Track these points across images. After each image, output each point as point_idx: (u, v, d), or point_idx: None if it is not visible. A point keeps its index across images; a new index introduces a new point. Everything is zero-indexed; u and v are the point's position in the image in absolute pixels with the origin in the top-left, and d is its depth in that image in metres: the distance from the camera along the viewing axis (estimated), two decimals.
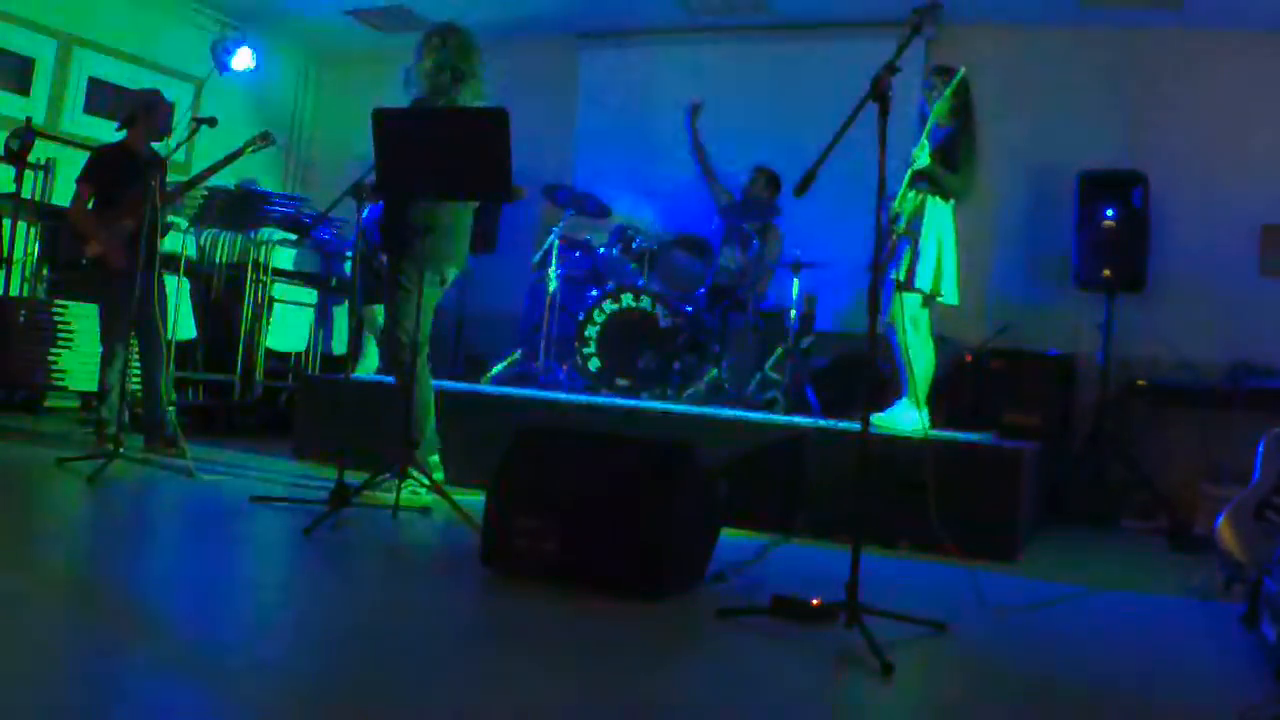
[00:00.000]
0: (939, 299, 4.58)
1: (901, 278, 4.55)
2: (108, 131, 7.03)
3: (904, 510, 3.95)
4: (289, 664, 2.12)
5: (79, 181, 5.02)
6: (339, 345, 7.50)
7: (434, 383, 4.46)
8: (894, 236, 4.55)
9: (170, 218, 5.24)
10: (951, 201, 4.61)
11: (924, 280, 4.51)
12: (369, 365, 6.77)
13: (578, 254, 6.46)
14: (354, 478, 3.79)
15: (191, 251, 6.69)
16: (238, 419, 6.75)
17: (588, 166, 7.66)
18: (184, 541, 3.40)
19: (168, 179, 5.06)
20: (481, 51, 4.46)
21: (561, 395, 5.39)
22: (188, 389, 6.75)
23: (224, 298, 6.83)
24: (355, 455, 4.56)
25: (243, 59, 7.75)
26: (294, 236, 6.98)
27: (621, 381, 5.74)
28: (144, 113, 5.12)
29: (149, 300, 5.00)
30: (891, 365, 4.87)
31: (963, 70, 4.57)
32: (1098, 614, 3.24)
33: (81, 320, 5.98)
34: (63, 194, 6.63)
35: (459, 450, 4.60)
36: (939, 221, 4.55)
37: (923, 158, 4.47)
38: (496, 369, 6.43)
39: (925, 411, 4.63)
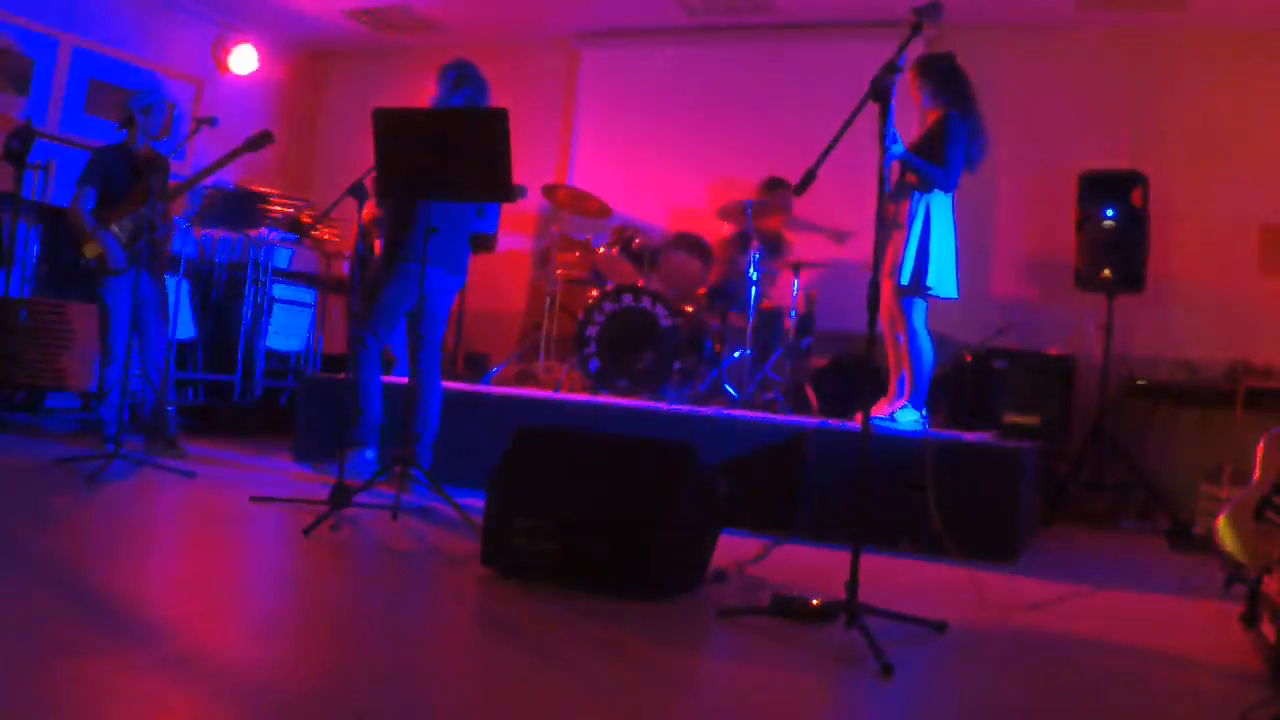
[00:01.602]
0: (929, 292, 4.56)
1: (893, 277, 4.54)
2: (108, 131, 7.03)
3: (904, 510, 3.96)
4: (288, 664, 2.12)
5: (79, 183, 5.03)
6: (339, 345, 7.51)
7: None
8: (887, 233, 4.54)
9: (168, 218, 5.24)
10: (940, 193, 4.58)
11: (906, 275, 4.50)
12: None
13: (578, 254, 6.46)
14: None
15: (191, 251, 6.70)
16: (238, 419, 6.75)
17: (587, 166, 7.66)
18: (184, 542, 3.40)
19: (169, 179, 5.08)
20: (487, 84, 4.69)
21: (561, 395, 5.39)
22: (188, 389, 6.75)
23: (224, 298, 6.84)
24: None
25: (243, 59, 7.76)
26: (294, 236, 6.98)
27: (621, 381, 5.74)
28: (141, 113, 5.12)
29: (150, 300, 5.01)
30: (886, 364, 4.87)
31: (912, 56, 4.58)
32: (1098, 614, 3.24)
33: (81, 320, 5.97)
34: (63, 194, 6.64)
35: (459, 450, 4.60)
36: (924, 214, 4.53)
37: (896, 149, 4.43)
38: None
39: (925, 411, 4.64)
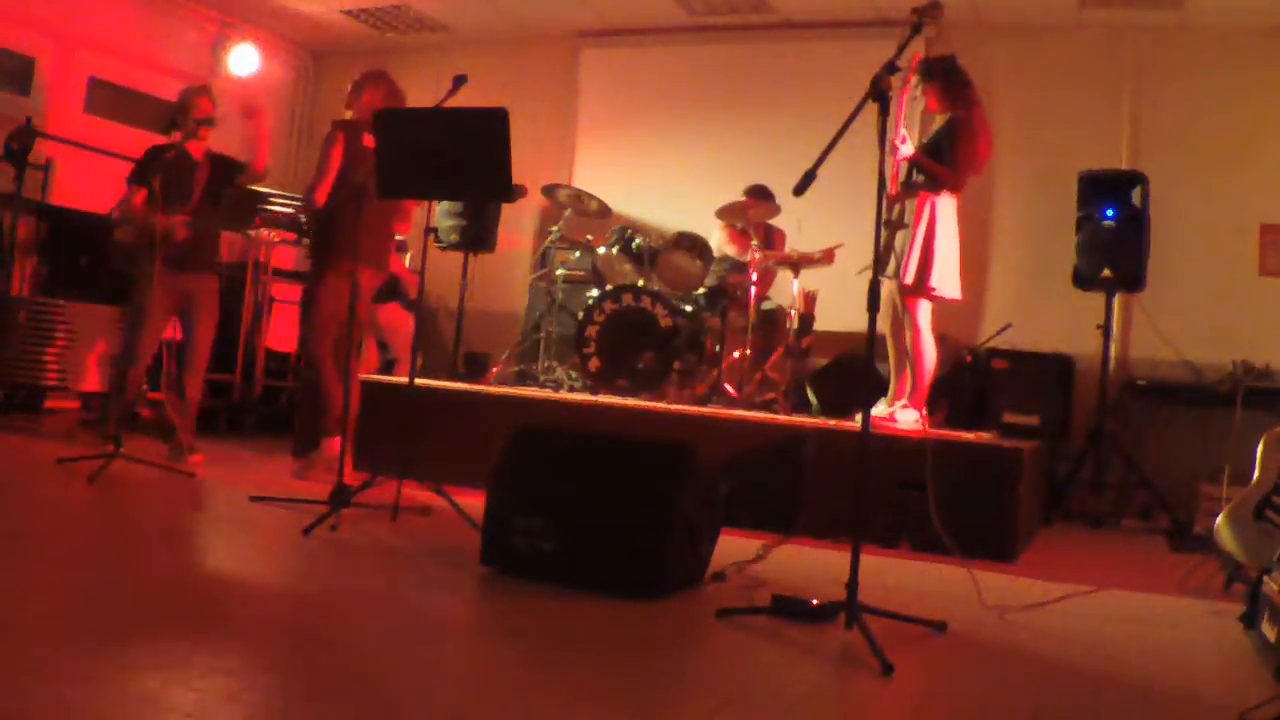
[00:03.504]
0: (934, 292, 4.56)
1: (894, 275, 4.55)
2: (108, 132, 7.02)
3: (904, 510, 3.96)
4: (287, 664, 2.12)
5: (128, 181, 5.02)
6: None
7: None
8: (890, 233, 4.54)
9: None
10: (946, 194, 4.57)
11: (911, 274, 4.50)
12: (368, 365, 6.77)
13: (578, 254, 6.46)
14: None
15: None
16: (238, 419, 6.74)
17: (588, 166, 7.66)
18: (183, 541, 3.40)
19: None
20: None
21: (561, 395, 5.39)
22: None
23: (224, 298, 6.82)
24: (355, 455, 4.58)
25: (243, 59, 7.76)
26: (294, 236, 6.97)
27: (621, 381, 5.73)
28: (180, 113, 5.08)
29: (194, 301, 5.01)
30: (887, 364, 4.87)
31: (914, 57, 4.60)
32: (1097, 614, 3.24)
33: (82, 320, 5.97)
34: (63, 194, 6.63)
35: (459, 450, 4.60)
36: (929, 214, 4.54)
37: (905, 149, 4.46)
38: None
39: (924, 411, 4.64)
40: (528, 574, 2.98)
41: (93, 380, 6.04)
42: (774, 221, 6.33)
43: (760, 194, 6.07)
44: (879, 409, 4.70)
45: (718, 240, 6.33)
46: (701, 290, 6.14)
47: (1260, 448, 3.35)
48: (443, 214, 6.56)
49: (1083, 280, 5.89)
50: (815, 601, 2.74)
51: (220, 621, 2.38)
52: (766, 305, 6.23)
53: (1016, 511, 4.13)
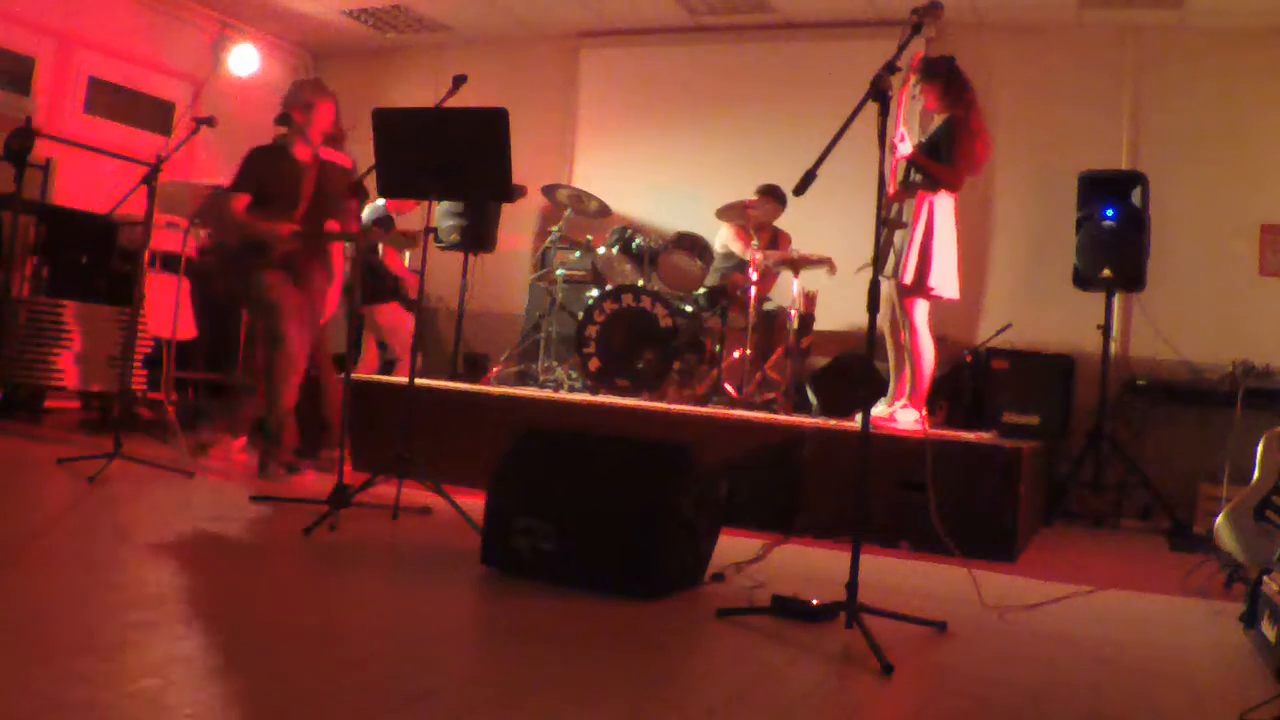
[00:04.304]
0: (932, 292, 4.56)
1: (892, 274, 4.55)
2: (108, 132, 7.03)
3: (904, 510, 3.96)
4: (287, 664, 2.12)
5: (232, 189, 4.57)
6: (339, 344, 7.49)
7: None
8: (889, 232, 4.54)
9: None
10: (944, 193, 4.57)
11: (909, 274, 4.50)
12: (368, 365, 6.77)
13: (578, 254, 6.46)
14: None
15: (192, 251, 6.69)
16: None
17: (588, 166, 7.66)
18: (183, 541, 3.40)
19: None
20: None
21: (561, 395, 5.39)
22: (188, 389, 6.75)
23: (224, 297, 6.83)
24: (355, 455, 4.58)
25: (243, 59, 7.76)
26: None
27: (621, 381, 5.74)
28: (302, 112, 4.61)
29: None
30: (887, 364, 4.87)
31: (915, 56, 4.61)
32: (1098, 614, 3.24)
33: (82, 320, 5.97)
34: (63, 194, 6.63)
35: (459, 450, 4.60)
36: (928, 213, 4.54)
37: (904, 148, 4.47)
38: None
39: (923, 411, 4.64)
40: (528, 574, 2.98)
41: (91, 380, 6.04)
42: (777, 223, 6.34)
43: (771, 193, 6.07)
44: (879, 409, 4.71)
45: (725, 237, 6.32)
46: (701, 290, 6.14)
47: (1260, 448, 3.35)
48: (443, 214, 6.56)
49: (1083, 280, 5.89)
50: (815, 601, 2.74)
51: (221, 621, 2.38)
52: (767, 305, 6.24)
53: (1016, 511, 4.13)
